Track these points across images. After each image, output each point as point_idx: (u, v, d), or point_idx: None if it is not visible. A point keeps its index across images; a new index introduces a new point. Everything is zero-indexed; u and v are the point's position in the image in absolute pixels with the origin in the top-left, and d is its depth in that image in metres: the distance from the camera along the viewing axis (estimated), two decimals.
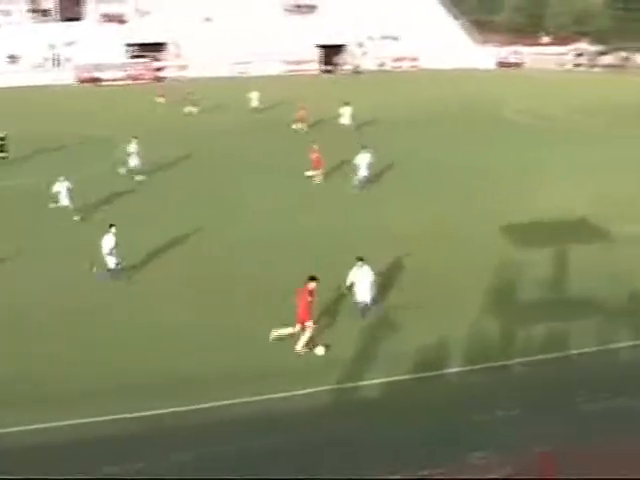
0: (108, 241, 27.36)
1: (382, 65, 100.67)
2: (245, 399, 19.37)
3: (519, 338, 23.24)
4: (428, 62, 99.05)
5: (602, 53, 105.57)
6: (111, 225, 27.66)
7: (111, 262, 27.54)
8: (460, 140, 51.51)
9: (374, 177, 41.00)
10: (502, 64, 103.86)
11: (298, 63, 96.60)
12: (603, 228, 32.91)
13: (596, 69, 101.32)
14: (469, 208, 36.42)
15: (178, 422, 18.64)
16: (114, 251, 27.39)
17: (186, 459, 16.90)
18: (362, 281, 24.40)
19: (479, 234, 32.37)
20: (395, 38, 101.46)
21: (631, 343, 23.13)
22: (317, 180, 41.38)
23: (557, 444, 13.21)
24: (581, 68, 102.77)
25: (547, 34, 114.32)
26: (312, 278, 22.54)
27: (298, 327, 22.18)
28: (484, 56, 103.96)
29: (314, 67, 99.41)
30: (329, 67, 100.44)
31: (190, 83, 76.28)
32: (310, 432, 18.20)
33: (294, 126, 55.84)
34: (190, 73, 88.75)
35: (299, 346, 22.14)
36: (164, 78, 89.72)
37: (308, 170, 41.54)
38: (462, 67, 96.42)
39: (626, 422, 18.05)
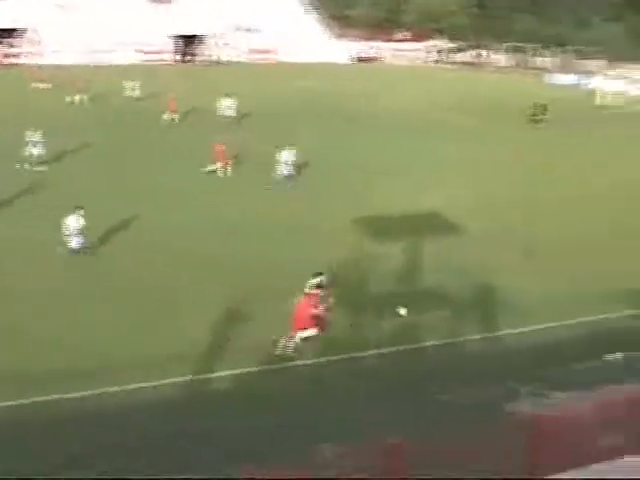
0: (74, 221, 28.25)
1: (241, 57, 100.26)
2: (92, 392, 19.01)
3: (371, 330, 23.53)
4: (287, 55, 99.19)
5: (458, 50, 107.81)
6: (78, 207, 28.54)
7: (76, 242, 28.37)
8: (320, 134, 51.57)
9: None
10: (359, 59, 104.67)
11: (156, 53, 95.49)
12: (456, 223, 33.70)
13: (452, 66, 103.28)
14: (326, 202, 36.76)
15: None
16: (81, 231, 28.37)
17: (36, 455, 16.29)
18: None
19: (332, 228, 32.66)
20: (255, 30, 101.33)
21: (480, 336, 23.77)
22: (222, 173, 41.27)
23: (408, 435, 13.40)
24: (437, 64, 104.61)
25: (404, 30, 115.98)
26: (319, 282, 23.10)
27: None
28: (341, 50, 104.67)
29: (171, 57, 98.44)
30: (188, 57, 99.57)
31: (53, 70, 73.29)
32: (158, 426, 17.92)
33: (165, 116, 55.18)
34: (46, 60, 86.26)
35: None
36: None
37: (209, 162, 41.35)
38: (320, 61, 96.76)
39: (476, 413, 18.19)
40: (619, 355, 22.14)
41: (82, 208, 28.50)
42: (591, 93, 76.70)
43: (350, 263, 28.35)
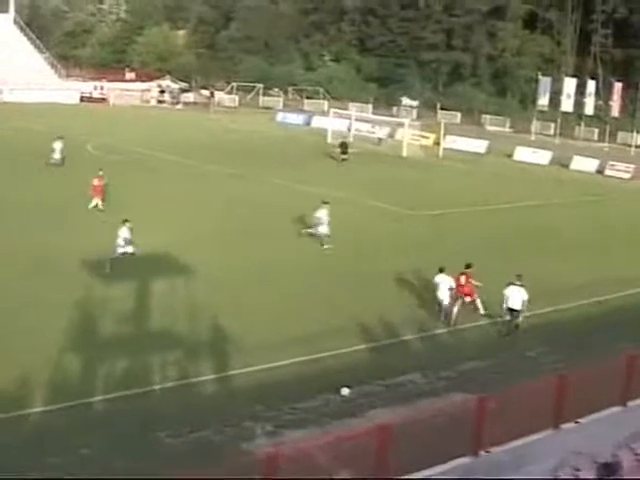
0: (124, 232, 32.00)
1: None
2: None
3: (101, 375, 22.62)
4: (12, 95, 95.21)
5: (185, 90, 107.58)
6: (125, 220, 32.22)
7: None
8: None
9: None
10: (85, 99, 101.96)
11: None
12: (183, 262, 32.91)
13: (180, 106, 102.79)
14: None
15: None
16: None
17: None
18: None
19: (65, 269, 31.13)
20: None
21: (212, 376, 23.32)
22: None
23: None
24: (163, 105, 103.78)
25: (131, 70, 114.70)
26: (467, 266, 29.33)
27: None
28: (68, 91, 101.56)
29: None
30: None
31: None
32: None
33: None
34: None
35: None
36: None
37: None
38: (47, 101, 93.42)
39: (207, 454, 18.06)
40: (347, 390, 22.29)
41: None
42: (320, 132, 78.06)
43: (81, 305, 27.32)
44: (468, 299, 29.14)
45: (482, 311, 29.14)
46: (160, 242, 34.99)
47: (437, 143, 75.65)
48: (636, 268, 36.56)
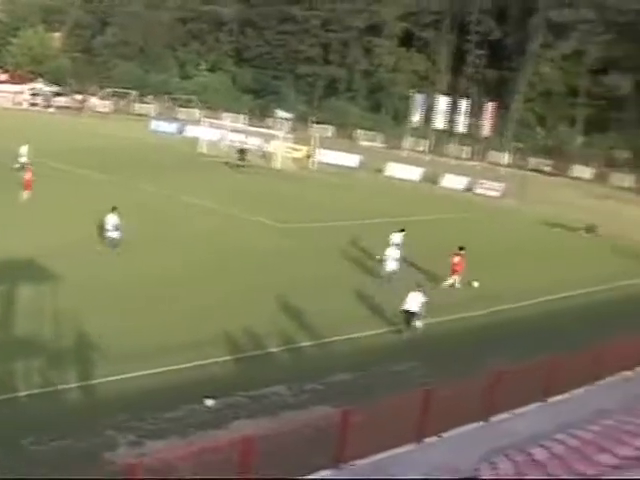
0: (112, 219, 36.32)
1: None
2: None
3: None
4: None
5: (58, 94, 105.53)
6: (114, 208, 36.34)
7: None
8: None
9: None
10: None
11: None
12: (49, 269, 32.07)
13: (51, 110, 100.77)
14: None
15: None
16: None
17: None
18: None
19: None
20: None
21: (77, 384, 22.75)
22: None
23: None
24: (37, 108, 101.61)
25: (5, 72, 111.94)
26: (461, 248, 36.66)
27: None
28: None
29: None
30: None
31: None
32: None
33: None
34: None
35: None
36: None
37: None
38: None
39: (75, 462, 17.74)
40: (211, 401, 22.14)
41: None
42: (193, 141, 77.58)
43: None
44: (457, 276, 36.40)
45: (457, 285, 36.24)
46: (24, 247, 34.21)
47: (310, 156, 76.15)
48: (502, 285, 37.47)
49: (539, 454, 16.41)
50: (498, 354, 27.17)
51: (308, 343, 27.91)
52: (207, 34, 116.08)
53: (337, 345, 28.16)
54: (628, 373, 26.17)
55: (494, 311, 34.02)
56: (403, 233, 39.77)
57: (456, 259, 36.59)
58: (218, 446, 16.02)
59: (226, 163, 67.63)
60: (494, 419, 20.69)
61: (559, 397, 23.03)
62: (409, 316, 29.45)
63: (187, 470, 14.71)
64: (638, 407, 20.76)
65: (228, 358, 25.75)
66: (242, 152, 69.42)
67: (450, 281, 36.39)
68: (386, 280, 35.63)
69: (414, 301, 29.35)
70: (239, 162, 67.91)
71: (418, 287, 29.89)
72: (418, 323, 29.59)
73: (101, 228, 38.01)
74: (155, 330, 26.84)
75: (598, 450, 15.81)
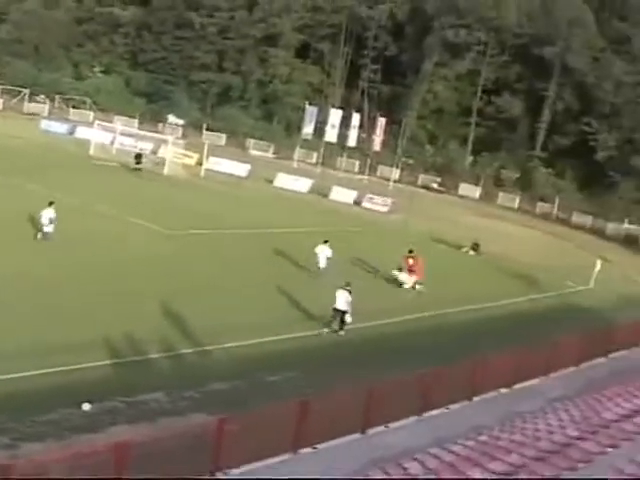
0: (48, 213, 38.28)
1: None
2: None
3: None
4: None
5: None
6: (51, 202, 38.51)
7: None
8: None
9: None
10: None
11: None
12: None
13: None
14: None
15: None
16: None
17: None
18: None
19: None
20: None
21: None
22: None
23: None
24: None
25: None
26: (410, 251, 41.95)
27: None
28: None
29: None
30: None
31: None
32: None
33: None
34: None
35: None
36: None
37: None
38: None
39: None
40: (89, 406, 21.98)
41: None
42: (84, 142, 76.45)
43: None
44: (414, 277, 40.74)
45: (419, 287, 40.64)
46: None
47: (200, 163, 75.99)
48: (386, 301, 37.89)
49: (413, 468, 16.63)
50: (375, 369, 27.56)
51: (189, 350, 28.00)
52: (102, 36, 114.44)
53: (218, 353, 28.22)
54: (504, 390, 26.77)
55: (379, 324, 34.49)
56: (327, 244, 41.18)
57: (410, 261, 41.15)
58: (93, 450, 16.00)
59: (122, 166, 67.04)
60: (371, 432, 20.93)
61: (436, 412, 23.45)
62: (339, 314, 32.18)
63: (62, 473, 14.68)
64: (512, 423, 21.25)
65: (108, 362, 25.60)
66: (139, 156, 69.55)
67: (409, 282, 40.45)
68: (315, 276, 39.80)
69: (342, 299, 32.08)
70: (136, 166, 67.94)
71: (346, 286, 32.49)
72: (348, 317, 32.21)
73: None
74: (33, 332, 26.38)
75: (471, 465, 16.12)
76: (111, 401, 22.72)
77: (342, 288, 32.39)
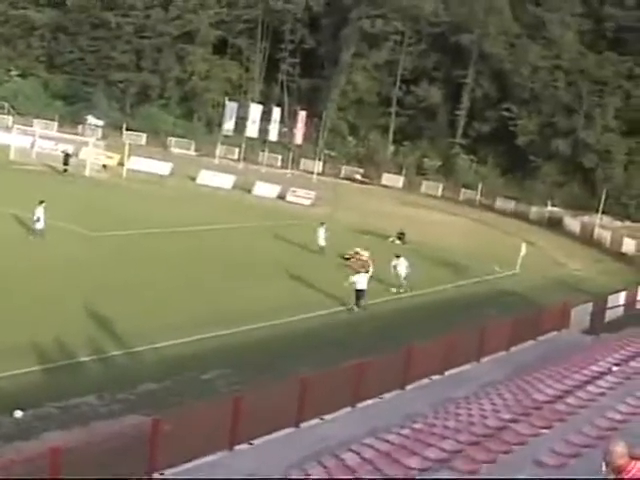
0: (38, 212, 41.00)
1: None
2: None
3: None
4: None
5: None
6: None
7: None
8: None
9: None
10: None
11: None
12: None
13: None
14: None
15: None
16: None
17: None
18: None
19: None
20: None
21: None
22: None
23: None
24: None
25: None
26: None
27: None
28: None
29: None
30: None
31: None
32: None
33: None
34: None
35: None
36: None
37: None
38: None
39: None
40: (20, 413, 21.66)
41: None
42: (3, 147, 75.19)
43: None
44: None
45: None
46: None
47: (121, 164, 75.59)
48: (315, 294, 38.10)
49: (350, 459, 16.71)
50: (305, 363, 27.62)
51: (119, 352, 27.76)
52: (18, 39, 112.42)
53: (147, 354, 28.02)
54: (436, 377, 27.06)
55: (303, 319, 34.62)
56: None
57: (364, 256, 44.10)
58: (27, 457, 15.92)
59: (44, 169, 66.31)
60: (304, 425, 21.01)
61: (369, 402, 23.61)
62: (360, 294, 36.54)
63: None
64: (446, 409, 21.47)
65: (37, 368, 25.28)
66: (67, 157, 69.58)
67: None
68: None
69: (363, 280, 36.63)
70: (65, 167, 68.09)
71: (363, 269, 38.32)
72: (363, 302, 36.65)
73: None
74: None
75: (407, 453, 16.24)
76: (43, 407, 22.49)
77: (359, 272, 37.80)
